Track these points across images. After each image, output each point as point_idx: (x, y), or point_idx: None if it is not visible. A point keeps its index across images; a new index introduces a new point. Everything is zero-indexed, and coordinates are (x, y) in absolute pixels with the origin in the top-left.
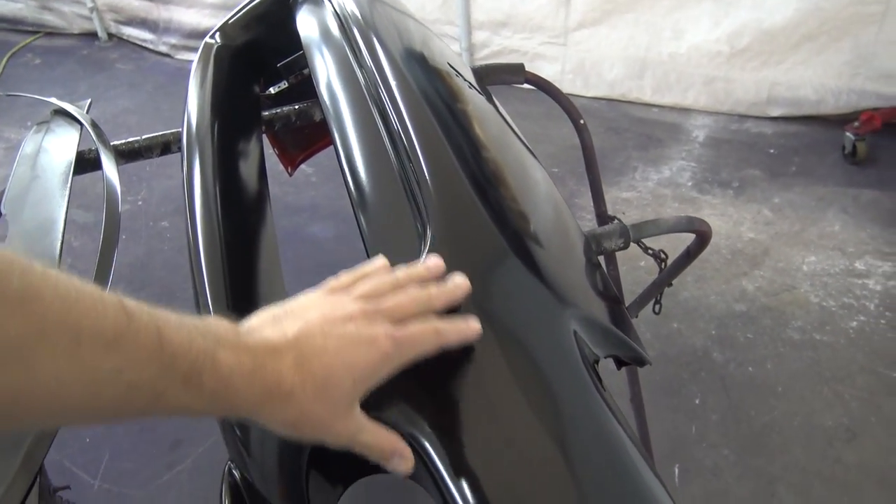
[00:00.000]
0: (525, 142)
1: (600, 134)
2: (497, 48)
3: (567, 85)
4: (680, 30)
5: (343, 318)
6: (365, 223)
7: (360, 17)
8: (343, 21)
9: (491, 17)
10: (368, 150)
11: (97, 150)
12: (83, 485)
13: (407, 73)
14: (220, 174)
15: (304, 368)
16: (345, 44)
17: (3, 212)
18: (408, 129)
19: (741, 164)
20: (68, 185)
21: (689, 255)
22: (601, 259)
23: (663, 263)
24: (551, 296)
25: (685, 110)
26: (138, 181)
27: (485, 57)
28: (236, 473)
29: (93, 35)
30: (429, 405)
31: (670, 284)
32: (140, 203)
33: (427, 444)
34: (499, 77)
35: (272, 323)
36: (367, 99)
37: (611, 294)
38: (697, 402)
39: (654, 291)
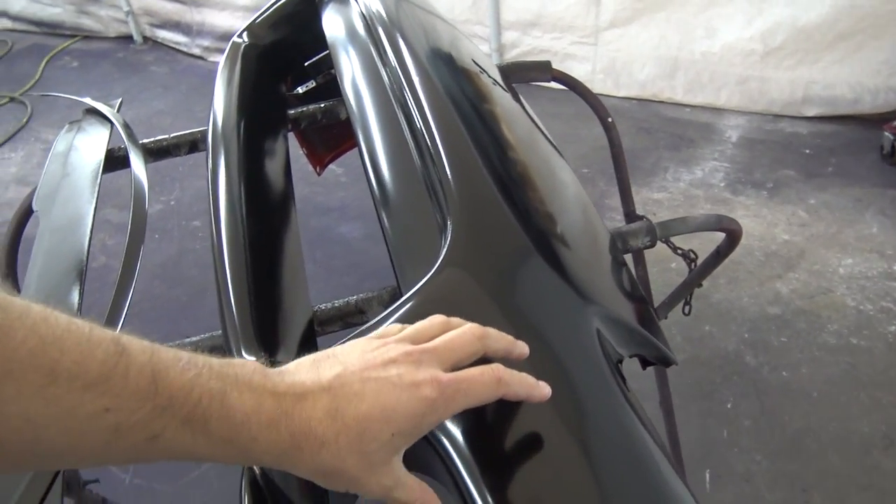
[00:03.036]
0: (551, 140)
1: (631, 134)
2: (527, 48)
3: (598, 85)
4: (712, 28)
5: (385, 361)
6: (387, 222)
7: (385, 16)
8: (368, 20)
9: (521, 18)
10: (391, 150)
11: (126, 149)
12: (115, 479)
13: (432, 72)
14: (244, 172)
15: (337, 418)
16: (370, 43)
17: (35, 208)
18: (431, 130)
19: (775, 165)
20: (98, 182)
21: (720, 255)
22: (630, 259)
23: (693, 263)
24: (574, 294)
25: (718, 110)
26: (171, 181)
27: (514, 57)
28: (256, 469)
29: (128, 38)
30: None
31: (700, 285)
32: (172, 203)
33: (446, 443)
34: (525, 75)
35: (310, 366)
36: (391, 99)
37: (636, 294)
38: (729, 406)
39: (684, 292)
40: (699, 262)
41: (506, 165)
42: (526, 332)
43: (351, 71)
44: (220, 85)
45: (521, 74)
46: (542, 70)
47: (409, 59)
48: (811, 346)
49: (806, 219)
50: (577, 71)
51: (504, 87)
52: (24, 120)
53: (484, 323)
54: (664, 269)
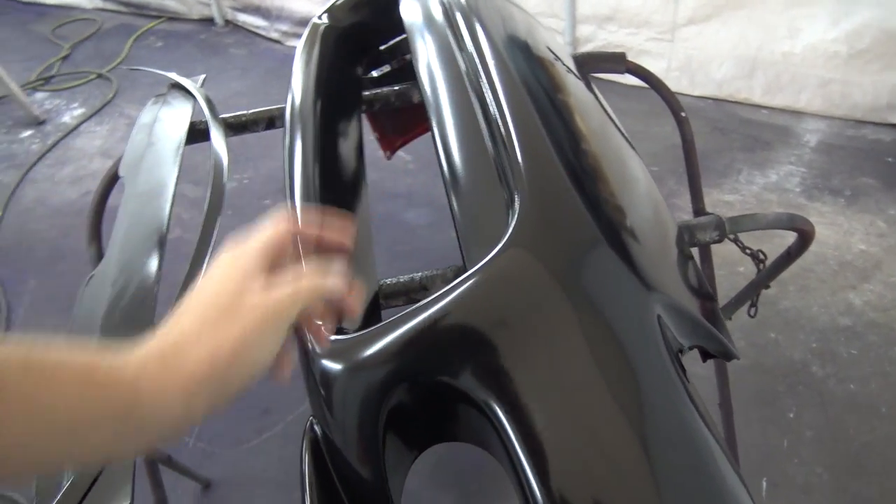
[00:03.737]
0: (622, 130)
1: (705, 134)
2: (601, 43)
3: (672, 83)
4: (795, 28)
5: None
6: (456, 203)
7: (463, 2)
8: (447, 6)
9: (596, 12)
10: (464, 135)
11: (207, 122)
12: (179, 442)
13: (508, 59)
14: (320, 149)
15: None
16: (447, 29)
17: (121, 175)
18: (505, 116)
19: (855, 172)
20: (180, 153)
21: (790, 256)
22: (696, 255)
23: (761, 264)
24: (636, 278)
25: (797, 113)
26: (245, 161)
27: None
28: (317, 429)
29: (210, 21)
30: (507, 377)
31: (768, 287)
32: (246, 181)
33: (504, 419)
34: (599, 66)
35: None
36: (466, 84)
37: (702, 287)
38: (792, 415)
39: (751, 293)
40: (768, 262)
41: (577, 153)
42: (586, 312)
43: (427, 55)
44: (299, 64)
45: (595, 65)
46: (617, 61)
47: (486, 46)
48: (882, 360)
49: (884, 229)
50: (652, 68)
51: (578, 76)
52: (110, 96)
53: (545, 307)
54: (732, 273)
